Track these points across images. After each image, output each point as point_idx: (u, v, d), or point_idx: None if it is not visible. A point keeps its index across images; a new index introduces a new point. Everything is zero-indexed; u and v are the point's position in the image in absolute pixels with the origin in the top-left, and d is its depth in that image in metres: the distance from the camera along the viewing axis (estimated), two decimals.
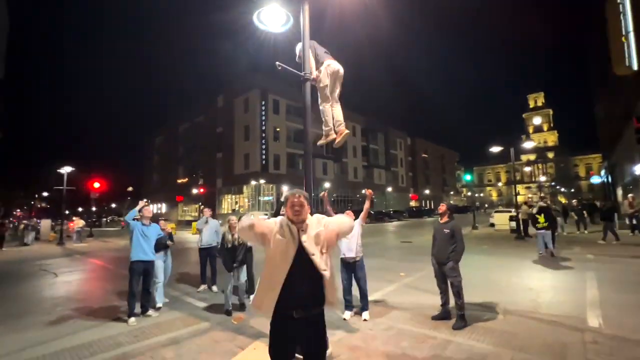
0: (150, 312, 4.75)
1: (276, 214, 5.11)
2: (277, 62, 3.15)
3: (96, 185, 21.57)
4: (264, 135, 34.37)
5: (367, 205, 4.66)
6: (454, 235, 4.13)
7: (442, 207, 4.41)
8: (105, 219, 57.28)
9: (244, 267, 4.96)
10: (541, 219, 8.98)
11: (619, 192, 23.09)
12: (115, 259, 11.31)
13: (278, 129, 36.22)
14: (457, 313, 4.02)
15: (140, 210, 4.87)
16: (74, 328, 4.37)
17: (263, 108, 34.54)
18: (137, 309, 4.68)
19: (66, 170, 18.42)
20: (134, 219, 4.82)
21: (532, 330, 3.82)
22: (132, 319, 4.44)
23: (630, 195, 12.40)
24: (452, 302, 4.17)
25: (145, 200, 5.20)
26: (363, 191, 45.69)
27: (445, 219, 4.31)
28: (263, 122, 34.45)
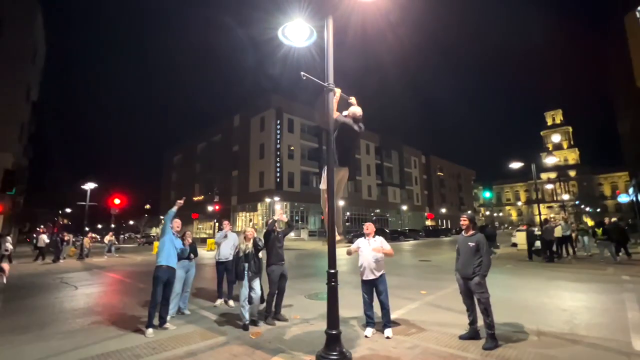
0: (168, 325, 4.70)
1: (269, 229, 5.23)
2: (302, 73, 3.22)
3: (117, 201, 22.18)
4: (278, 153, 34.89)
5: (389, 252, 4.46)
6: (480, 248, 3.96)
7: (465, 221, 4.23)
8: (123, 236, 58.47)
9: (258, 278, 4.87)
10: (599, 232, 10.94)
11: None
12: (132, 273, 11.42)
13: (292, 148, 36.74)
14: (486, 332, 3.78)
15: (172, 221, 4.98)
16: (94, 338, 4.35)
17: (278, 127, 35.26)
18: (156, 320, 4.64)
19: (89, 186, 19.08)
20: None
21: (572, 353, 3.54)
22: (150, 331, 4.40)
23: None
24: (480, 321, 3.94)
25: (183, 198, 5.28)
26: (378, 209, 45.12)
27: (469, 232, 4.15)
28: (278, 141, 35.07)
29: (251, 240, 4.91)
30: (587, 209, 63.03)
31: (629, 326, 4.35)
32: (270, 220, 5.43)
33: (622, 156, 35.83)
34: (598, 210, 63.93)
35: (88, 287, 8.60)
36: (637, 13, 13.21)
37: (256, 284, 4.77)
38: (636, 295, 6.06)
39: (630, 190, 33.77)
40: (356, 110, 3.56)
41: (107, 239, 20.19)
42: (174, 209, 4.97)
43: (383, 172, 48.38)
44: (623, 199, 38.50)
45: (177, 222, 5.13)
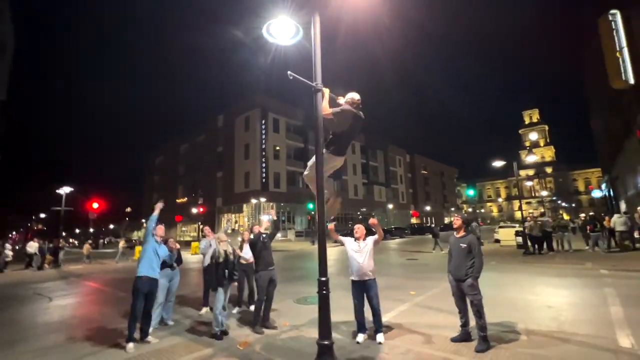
0: (150, 338, 4.45)
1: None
2: (289, 72, 3.08)
3: (95, 205, 21.31)
4: (264, 153, 34.50)
5: (380, 231, 4.42)
6: (472, 250, 3.94)
7: (458, 221, 4.21)
8: (102, 241, 56.45)
9: (230, 286, 4.75)
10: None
11: (622, 205, 22.91)
12: (112, 281, 10.94)
13: (278, 148, 36.40)
14: (478, 334, 3.76)
15: (154, 227, 4.71)
16: (68, 356, 4.07)
17: (263, 127, 34.86)
18: (137, 333, 4.40)
19: (64, 190, 18.21)
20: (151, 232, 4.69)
21: (562, 352, 3.56)
22: (131, 345, 4.15)
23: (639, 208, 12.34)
24: (472, 322, 3.92)
25: (162, 200, 5.01)
26: (364, 208, 45.40)
27: (461, 233, 4.12)
28: (263, 141, 34.67)
29: (226, 244, 4.76)
30: (563, 204, 65.63)
31: (612, 322, 4.45)
32: (257, 232, 5.24)
33: (595, 153, 37.47)
34: (573, 205, 66.71)
35: (64, 298, 8.14)
36: (609, 16, 13.69)
37: (229, 292, 4.69)
38: (616, 290, 6.24)
39: (603, 186, 35.40)
40: (354, 95, 3.41)
41: (121, 245, 19.26)
42: (155, 213, 4.70)
43: (369, 171, 48.73)
44: (596, 194, 40.38)
45: (161, 228, 4.87)
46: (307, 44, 3.45)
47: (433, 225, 20.40)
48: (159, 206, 4.76)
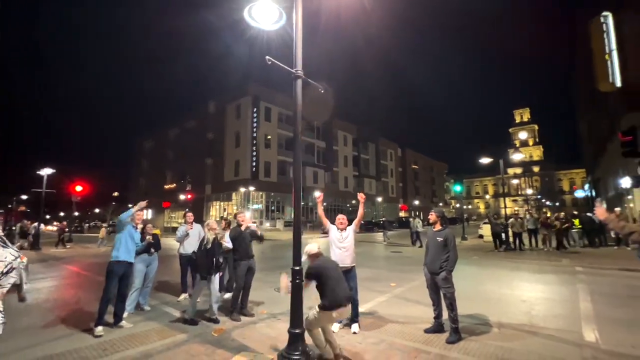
0: (123, 322, 4.40)
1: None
2: (267, 57, 2.98)
3: (78, 188, 20.78)
4: (255, 142, 34.11)
5: (361, 211, 4.46)
6: (447, 243, 3.97)
7: (432, 216, 4.23)
8: (87, 224, 55.46)
9: (217, 276, 4.70)
10: (577, 222, 13.66)
11: (603, 205, 23.54)
12: (92, 265, 10.76)
13: (269, 137, 36.04)
14: (450, 326, 3.83)
15: (129, 216, 4.61)
16: (36, 340, 3.98)
17: (255, 115, 34.38)
18: (111, 318, 4.35)
19: (46, 172, 17.72)
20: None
21: (529, 345, 3.66)
22: (100, 329, 4.05)
23: (617, 209, 12.66)
24: (445, 314, 3.99)
25: (146, 200, 4.93)
26: (355, 201, 45.63)
27: (437, 227, 4.15)
28: (254, 129, 34.24)
29: (215, 231, 4.71)
30: (547, 202, 67.24)
31: (581, 317, 4.59)
32: (240, 221, 5.16)
33: (581, 154, 38.35)
34: (557, 204, 68.42)
35: (40, 282, 7.97)
36: (602, 18, 13.75)
37: (216, 282, 4.64)
38: (588, 287, 6.45)
39: (586, 186, 36.38)
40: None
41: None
42: (134, 209, 4.60)
43: (360, 163, 48.80)
44: (579, 194, 41.52)
45: (139, 215, 4.79)
46: (290, 29, 3.34)
47: (384, 220, 22.37)
48: (141, 204, 4.72)
